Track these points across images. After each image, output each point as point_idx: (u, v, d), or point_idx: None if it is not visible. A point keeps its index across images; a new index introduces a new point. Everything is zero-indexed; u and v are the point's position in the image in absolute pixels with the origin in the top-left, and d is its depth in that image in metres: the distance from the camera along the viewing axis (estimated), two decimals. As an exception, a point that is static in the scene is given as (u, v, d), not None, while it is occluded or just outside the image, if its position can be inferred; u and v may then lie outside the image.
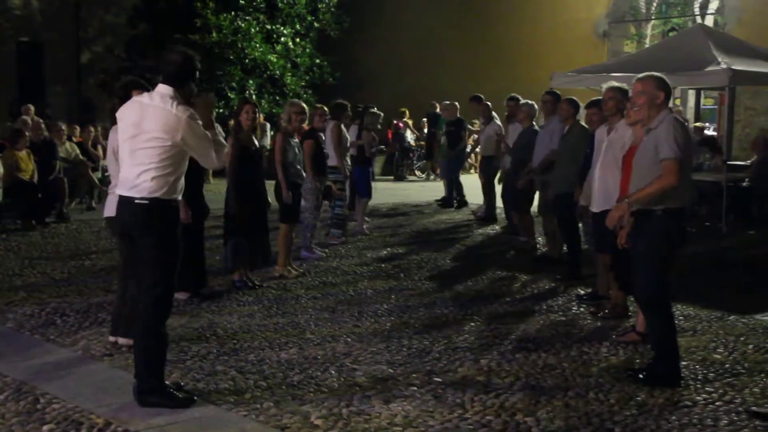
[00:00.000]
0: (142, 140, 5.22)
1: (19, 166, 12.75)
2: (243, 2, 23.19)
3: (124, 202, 5.33)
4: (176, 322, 7.39)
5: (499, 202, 13.65)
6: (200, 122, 5.33)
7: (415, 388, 5.80)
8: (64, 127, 14.94)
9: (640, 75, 6.08)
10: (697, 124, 18.54)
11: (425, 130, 22.76)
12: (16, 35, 25.81)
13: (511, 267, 10.36)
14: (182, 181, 5.41)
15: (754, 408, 5.46)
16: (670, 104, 6.31)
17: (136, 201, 5.23)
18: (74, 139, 15.34)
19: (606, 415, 5.36)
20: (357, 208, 12.91)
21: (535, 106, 11.68)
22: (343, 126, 11.72)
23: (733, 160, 15.43)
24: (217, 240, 10.68)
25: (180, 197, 5.42)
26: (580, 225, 9.09)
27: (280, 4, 23.94)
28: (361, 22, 26.01)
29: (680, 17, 26.38)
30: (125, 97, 6.10)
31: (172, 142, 5.18)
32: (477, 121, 17.66)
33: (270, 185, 9.11)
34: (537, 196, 11.07)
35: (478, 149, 16.67)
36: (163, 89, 5.30)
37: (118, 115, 5.48)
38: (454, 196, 16.35)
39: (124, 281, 6.63)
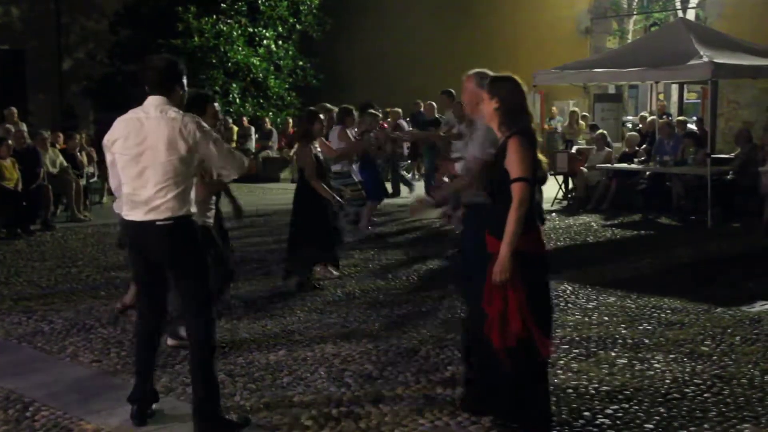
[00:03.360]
0: (150, 158, 4.86)
1: (4, 175, 12.69)
2: (224, 6, 23.18)
3: (144, 227, 4.91)
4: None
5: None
6: (208, 128, 5.10)
7: (404, 387, 5.80)
8: (46, 135, 14.84)
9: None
10: (680, 118, 18.60)
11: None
12: (-4, 43, 25.75)
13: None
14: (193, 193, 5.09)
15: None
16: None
17: (158, 223, 4.88)
18: (57, 146, 15.27)
19: (596, 409, 5.38)
20: (365, 209, 12.73)
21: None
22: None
23: (716, 154, 15.50)
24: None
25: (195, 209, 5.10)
26: None
27: (261, 7, 23.94)
28: (344, 24, 26.04)
29: (662, 12, 26.49)
30: None
31: (184, 153, 4.86)
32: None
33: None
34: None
35: None
36: (154, 101, 4.97)
37: (113, 133, 5.03)
38: None
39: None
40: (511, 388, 4.93)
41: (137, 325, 5.29)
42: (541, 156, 5.02)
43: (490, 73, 5.68)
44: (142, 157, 4.88)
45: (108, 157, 5.13)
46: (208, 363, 5.04)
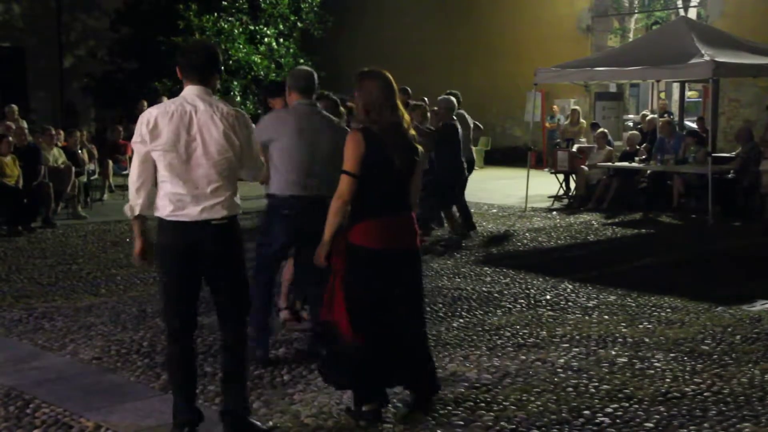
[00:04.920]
0: (203, 155, 4.59)
1: (4, 172, 12.68)
2: (225, 3, 23.15)
3: (197, 227, 4.62)
4: (162, 324, 7.37)
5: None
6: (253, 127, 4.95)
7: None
8: (54, 131, 14.85)
9: None
10: (649, 117, 18.60)
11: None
12: (-3, 41, 25.71)
13: (498, 263, 10.36)
14: None
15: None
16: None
17: (214, 222, 4.64)
18: (59, 143, 15.25)
19: (596, 407, 5.38)
20: None
21: (452, 99, 11.59)
22: None
23: (717, 152, 15.50)
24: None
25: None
26: None
27: (263, 5, 23.90)
28: (345, 21, 26.01)
29: (663, 10, 26.49)
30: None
31: (238, 150, 4.68)
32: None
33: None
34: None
35: None
36: (197, 91, 4.67)
37: (155, 128, 4.59)
38: None
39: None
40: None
41: (170, 339, 4.89)
42: (421, 147, 5.28)
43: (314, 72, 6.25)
44: (194, 154, 4.59)
45: (141, 151, 4.65)
46: (246, 372, 4.92)
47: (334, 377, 5.22)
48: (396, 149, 5.04)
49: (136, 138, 4.68)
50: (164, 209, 4.66)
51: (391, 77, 5.15)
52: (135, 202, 4.72)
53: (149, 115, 4.66)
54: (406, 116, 5.20)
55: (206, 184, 4.62)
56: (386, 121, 5.05)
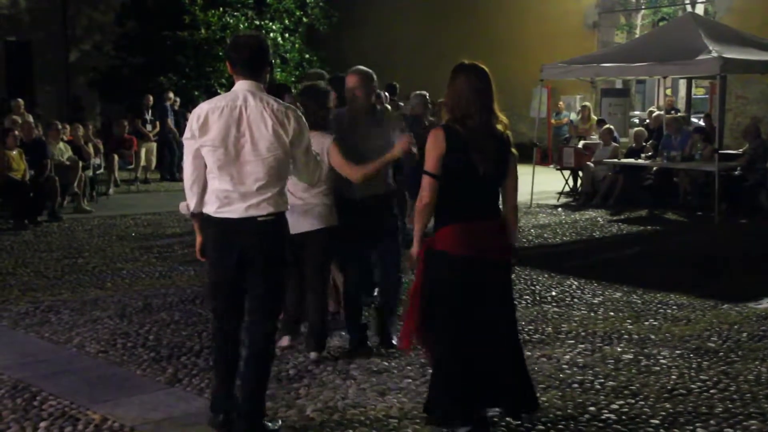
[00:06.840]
0: (252, 152, 4.54)
1: (11, 166, 12.71)
2: (231, -2, 23.18)
3: (243, 223, 4.59)
4: (168, 318, 7.40)
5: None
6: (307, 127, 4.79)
7: (410, 380, 5.79)
8: (60, 126, 14.89)
9: None
10: (656, 114, 18.54)
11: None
12: (3, 35, 25.69)
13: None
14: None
15: None
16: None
17: (260, 219, 4.58)
18: (64, 138, 15.27)
19: (602, 404, 5.37)
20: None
21: (427, 96, 11.56)
22: None
23: (724, 149, 15.47)
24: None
25: None
26: None
27: (268, 0, 23.90)
28: (350, 17, 26.00)
29: (670, 6, 26.42)
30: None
31: (287, 147, 4.60)
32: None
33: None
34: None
35: None
36: (248, 86, 4.60)
37: (205, 123, 4.56)
38: None
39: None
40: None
41: (214, 328, 4.92)
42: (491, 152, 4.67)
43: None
44: (243, 151, 4.53)
45: (191, 147, 4.64)
46: (267, 374, 4.82)
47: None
48: (481, 154, 4.58)
49: (186, 134, 4.65)
50: (211, 206, 4.64)
51: (488, 73, 4.70)
52: (190, 199, 4.73)
53: (200, 110, 4.64)
54: (503, 118, 4.73)
55: (253, 181, 4.56)
56: (474, 122, 4.62)
